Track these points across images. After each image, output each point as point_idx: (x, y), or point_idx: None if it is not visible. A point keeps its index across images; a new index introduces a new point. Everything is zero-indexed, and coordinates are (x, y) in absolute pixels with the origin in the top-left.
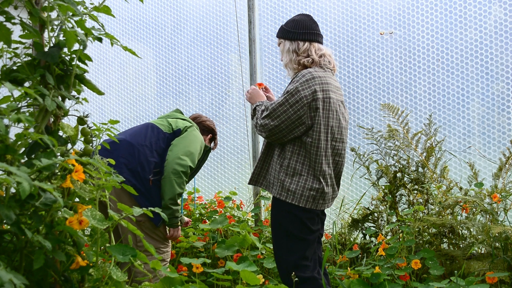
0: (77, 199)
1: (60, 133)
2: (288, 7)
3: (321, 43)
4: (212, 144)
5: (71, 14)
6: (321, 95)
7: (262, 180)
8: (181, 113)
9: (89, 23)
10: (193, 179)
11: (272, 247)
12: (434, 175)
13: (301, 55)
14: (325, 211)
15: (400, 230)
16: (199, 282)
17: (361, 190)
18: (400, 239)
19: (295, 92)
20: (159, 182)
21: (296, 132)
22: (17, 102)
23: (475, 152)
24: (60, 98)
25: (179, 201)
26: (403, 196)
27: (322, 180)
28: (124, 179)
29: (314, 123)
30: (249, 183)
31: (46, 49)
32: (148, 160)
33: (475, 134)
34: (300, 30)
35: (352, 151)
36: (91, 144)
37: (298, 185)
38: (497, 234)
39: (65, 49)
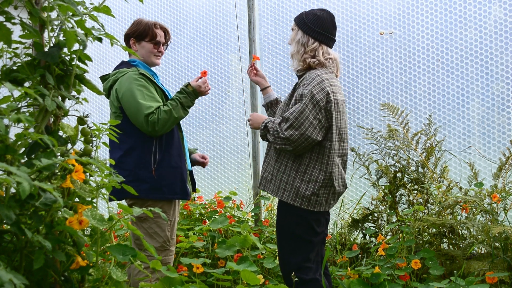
0: (77, 199)
1: (60, 133)
2: (288, 7)
3: (331, 47)
4: (159, 48)
5: (71, 14)
6: (332, 97)
7: (269, 185)
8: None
9: (89, 23)
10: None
11: (272, 247)
12: (434, 175)
13: (308, 53)
14: None
15: (400, 230)
16: (199, 282)
17: (361, 190)
18: (400, 239)
19: (311, 96)
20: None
21: (319, 137)
22: (17, 102)
23: (475, 152)
24: (60, 98)
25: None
26: (403, 196)
27: (334, 182)
28: (124, 179)
29: (332, 125)
30: (258, 187)
31: (46, 49)
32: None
33: (475, 134)
34: (316, 28)
35: (352, 151)
36: (91, 144)
37: (314, 190)
38: (497, 234)
39: (65, 49)
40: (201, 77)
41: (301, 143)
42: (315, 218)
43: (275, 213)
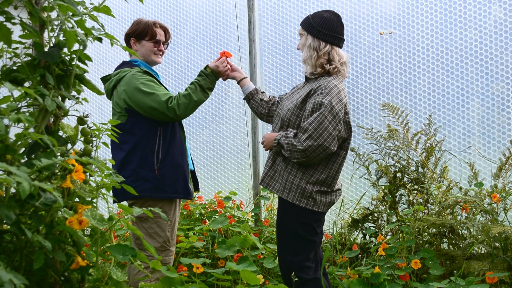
0: (77, 199)
1: (60, 133)
2: (288, 7)
3: (341, 47)
4: (160, 47)
5: (71, 14)
6: (348, 108)
7: (274, 183)
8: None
9: (89, 23)
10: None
11: (272, 247)
12: (434, 175)
13: (323, 57)
14: None
15: (400, 230)
16: (199, 282)
17: (361, 190)
18: (400, 239)
19: (331, 107)
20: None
21: (335, 148)
22: (17, 102)
23: (475, 152)
24: (60, 98)
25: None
26: (403, 196)
27: (339, 183)
28: (125, 179)
29: (350, 135)
30: (260, 184)
31: (46, 49)
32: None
33: (475, 134)
34: (325, 31)
35: (352, 151)
36: (91, 144)
37: (319, 191)
38: (497, 234)
39: (65, 49)
40: (220, 58)
41: (319, 153)
42: (317, 218)
43: (275, 213)
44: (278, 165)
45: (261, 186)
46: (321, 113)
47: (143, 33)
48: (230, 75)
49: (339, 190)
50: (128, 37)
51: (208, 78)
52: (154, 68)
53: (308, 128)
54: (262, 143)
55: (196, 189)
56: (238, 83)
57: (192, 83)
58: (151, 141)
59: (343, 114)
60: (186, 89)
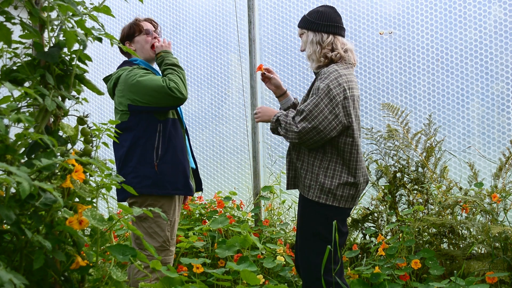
0: (77, 199)
1: (60, 133)
2: (288, 7)
3: (344, 36)
4: (148, 40)
5: (71, 14)
6: (349, 93)
7: (298, 183)
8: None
9: (89, 23)
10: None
11: (272, 247)
12: (434, 175)
13: (326, 48)
14: None
15: (400, 230)
16: (199, 282)
17: None
18: (400, 239)
19: (327, 91)
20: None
21: (333, 133)
22: (17, 102)
23: (475, 152)
24: (60, 98)
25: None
26: (403, 196)
27: (361, 178)
28: (124, 179)
29: (352, 121)
30: (287, 188)
31: (46, 49)
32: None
33: (475, 134)
34: (324, 22)
35: None
36: (91, 144)
37: (339, 186)
38: (497, 234)
39: (65, 49)
40: (153, 45)
41: (312, 136)
42: (341, 217)
43: (275, 212)
44: (295, 164)
45: (261, 187)
46: (318, 95)
47: (130, 32)
48: (270, 87)
49: (364, 183)
50: (123, 43)
51: (168, 56)
52: (154, 67)
53: (304, 110)
54: (256, 114)
55: (199, 189)
56: (277, 97)
57: (165, 70)
58: (151, 137)
59: (342, 98)
60: (167, 75)
